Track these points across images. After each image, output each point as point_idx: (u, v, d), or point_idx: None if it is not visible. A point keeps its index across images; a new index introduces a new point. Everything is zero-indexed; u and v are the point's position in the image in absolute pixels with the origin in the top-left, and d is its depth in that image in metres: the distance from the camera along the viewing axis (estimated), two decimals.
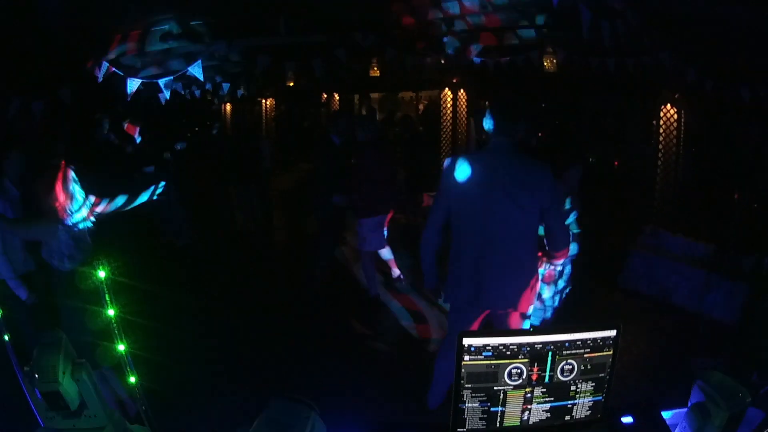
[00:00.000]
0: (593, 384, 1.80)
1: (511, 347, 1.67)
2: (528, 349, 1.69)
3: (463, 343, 1.63)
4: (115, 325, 2.27)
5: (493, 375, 1.69)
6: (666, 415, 2.22)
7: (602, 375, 1.80)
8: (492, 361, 1.67)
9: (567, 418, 1.81)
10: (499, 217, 2.90)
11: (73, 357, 2.09)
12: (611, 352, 1.79)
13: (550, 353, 1.71)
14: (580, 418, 1.83)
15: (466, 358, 1.65)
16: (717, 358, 3.58)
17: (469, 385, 1.68)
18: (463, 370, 1.66)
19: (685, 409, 2.19)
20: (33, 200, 3.17)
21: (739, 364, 3.28)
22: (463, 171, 2.92)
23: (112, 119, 6.32)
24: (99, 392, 2.13)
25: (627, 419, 1.96)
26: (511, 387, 1.72)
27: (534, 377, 1.72)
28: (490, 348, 1.66)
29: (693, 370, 3.54)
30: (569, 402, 1.80)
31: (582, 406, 1.82)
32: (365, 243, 5.46)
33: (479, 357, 1.66)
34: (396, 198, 5.63)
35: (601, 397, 1.83)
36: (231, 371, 4.08)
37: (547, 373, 1.73)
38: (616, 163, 10.74)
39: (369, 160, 5.16)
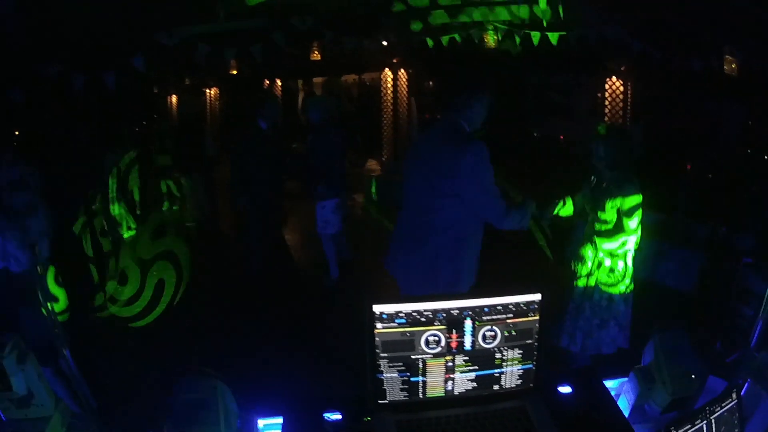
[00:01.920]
0: (521, 351, 1.74)
1: (425, 314, 1.62)
2: (444, 315, 1.64)
3: (374, 310, 1.59)
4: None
5: (409, 343, 1.64)
6: (613, 384, 2.16)
7: (529, 341, 1.74)
8: (407, 329, 1.62)
9: (496, 387, 1.76)
10: (417, 203, 2.80)
11: (22, 349, 2.09)
12: (537, 317, 1.73)
13: (468, 318, 1.66)
14: (510, 387, 1.77)
15: (379, 326, 1.60)
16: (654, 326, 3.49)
17: (385, 355, 1.63)
18: (377, 339, 1.61)
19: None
20: None
21: (700, 332, 3.20)
22: (408, 152, 2.90)
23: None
24: (45, 383, 2.13)
25: (565, 389, 1.90)
26: (429, 355, 1.67)
27: (453, 345, 1.67)
28: (403, 315, 1.61)
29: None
30: (496, 371, 1.74)
31: (511, 374, 1.76)
32: (329, 225, 5.44)
33: (392, 324, 1.61)
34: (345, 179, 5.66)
35: (531, 365, 1.77)
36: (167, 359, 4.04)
37: (468, 340, 1.68)
38: (561, 137, 10.77)
39: (327, 142, 5.15)
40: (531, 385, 1.79)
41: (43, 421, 2.18)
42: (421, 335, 1.64)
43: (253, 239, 5.66)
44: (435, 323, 1.64)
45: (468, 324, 1.66)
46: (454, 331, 1.66)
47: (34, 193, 3.14)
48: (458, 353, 1.69)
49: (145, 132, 9.79)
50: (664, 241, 4.69)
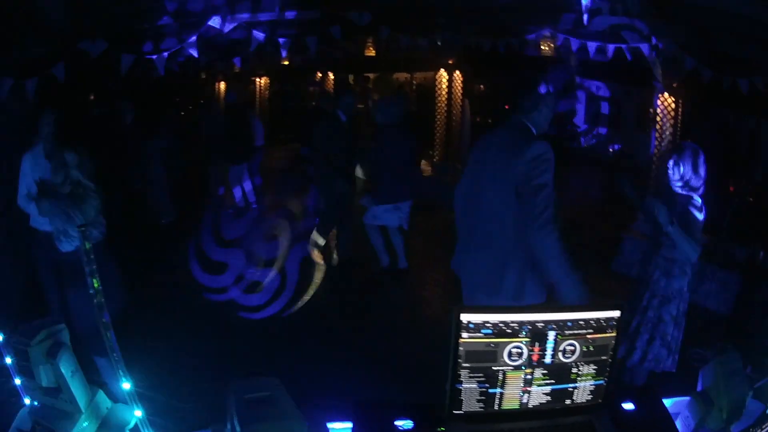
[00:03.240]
0: (595, 367, 1.72)
1: (511, 325, 1.58)
2: (530, 327, 1.60)
3: (461, 318, 1.54)
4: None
5: (492, 354, 1.60)
6: (667, 403, 2.16)
7: (605, 358, 1.72)
8: (491, 339, 1.59)
9: (567, 402, 1.73)
10: (482, 206, 2.77)
11: (58, 341, 2.00)
12: (614, 334, 1.71)
13: (551, 332, 1.63)
14: (581, 402, 1.75)
15: (465, 335, 1.56)
16: (711, 349, 3.52)
17: (467, 365, 1.59)
18: (461, 348, 1.57)
19: (686, 398, 2.13)
20: None
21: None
22: (473, 155, 2.87)
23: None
24: (79, 381, 2.03)
25: (628, 405, 1.88)
26: (510, 367, 1.63)
27: (535, 358, 1.64)
28: (489, 325, 1.57)
29: (690, 360, 3.48)
30: (570, 385, 1.72)
31: (583, 389, 1.74)
32: (376, 219, 5.30)
33: (478, 335, 1.57)
34: (415, 186, 5.44)
35: (603, 381, 1.75)
36: (219, 354, 3.96)
37: (549, 354, 1.65)
38: (610, 149, 10.70)
39: (396, 144, 4.94)
40: (600, 400, 1.77)
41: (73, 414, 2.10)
42: (505, 346, 1.60)
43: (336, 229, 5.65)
44: (519, 335, 1.60)
45: (551, 337, 1.63)
46: (537, 343, 1.63)
47: (88, 174, 3.07)
48: (538, 366, 1.66)
49: (190, 118, 9.56)
50: (705, 263, 4.69)
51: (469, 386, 1.62)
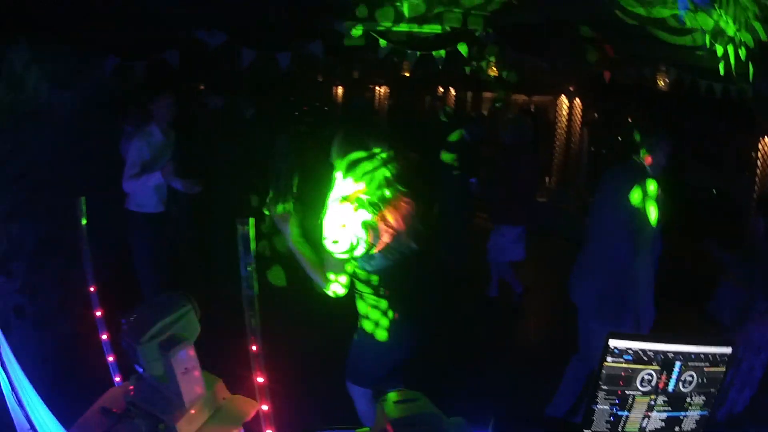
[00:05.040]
0: (704, 398, 1.85)
1: (648, 353, 1.71)
2: (662, 356, 1.73)
3: (609, 344, 1.66)
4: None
5: (628, 379, 1.72)
6: None
7: (713, 390, 1.86)
8: (630, 365, 1.70)
9: (676, 429, 1.85)
10: (599, 237, 3.00)
11: (179, 334, 1.97)
12: (724, 369, 1.85)
13: (678, 362, 1.76)
14: (687, 430, 1.87)
15: (609, 359, 1.67)
16: None
17: (606, 387, 1.70)
18: (603, 372, 1.68)
19: None
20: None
21: None
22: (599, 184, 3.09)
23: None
24: (189, 376, 1.99)
25: None
26: (640, 393, 1.75)
27: (661, 385, 1.76)
28: (631, 352, 1.69)
29: None
30: (682, 413, 1.84)
31: (691, 419, 1.86)
32: (504, 253, 5.23)
33: (620, 360, 1.69)
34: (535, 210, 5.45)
35: (707, 412, 1.88)
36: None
37: (672, 382, 1.78)
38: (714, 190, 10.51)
39: (521, 165, 4.96)
40: (701, 430, 1.90)
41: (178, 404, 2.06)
42: (639, 372, 1.72)
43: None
44: (652, 363, 1.73)
45: (677, 367, 1.76)
46: (665, 372, 1.75)
47: None
48: (661, 393, 1.78)
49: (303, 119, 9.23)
50: None
51: (602, 407, 1.73)
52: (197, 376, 1.98)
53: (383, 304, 2.38)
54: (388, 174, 2.31)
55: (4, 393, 3.23)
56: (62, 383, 3.17)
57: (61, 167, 3.78)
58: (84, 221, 2.45)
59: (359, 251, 2.24)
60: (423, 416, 1.63)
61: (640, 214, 2.81)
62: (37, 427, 3.21)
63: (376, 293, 2.37)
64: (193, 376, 1.98)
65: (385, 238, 2.25)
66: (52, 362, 3.53)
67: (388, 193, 2.31)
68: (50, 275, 3.70)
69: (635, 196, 2.84)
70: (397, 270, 2.34)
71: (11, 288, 3.30)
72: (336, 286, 2.31)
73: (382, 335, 2.38)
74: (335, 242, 2.20)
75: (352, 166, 2.28)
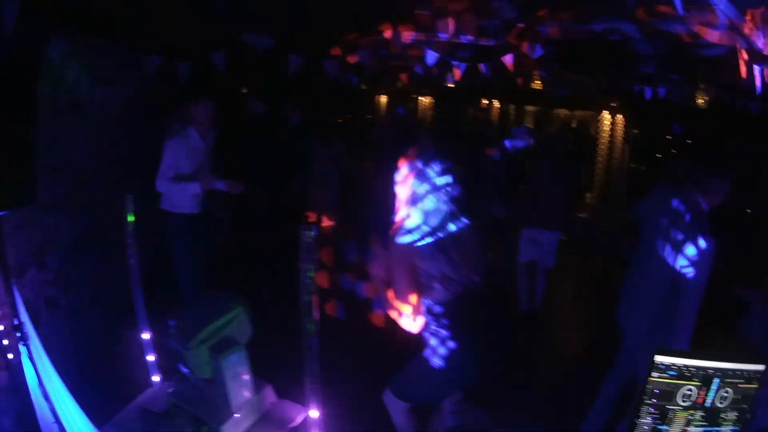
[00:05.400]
0: (737, 414, 1.93)
1: (691, 369, 1.78)
2: (703, 373, 1.80)
3: (656, 359, 1.73)
4: None
5: (669, 394, 1.79)
6: None
7: (745, 407, 1.93)
8: (673, 381, 1.78)
9: None
10: (650, 263, 2.98)
11: (231, 337, 2.01)
12: (756, 386, 1.93)
13: (717, 379, 1.83)
14: None
15: (654, 374, 1.75)
16: None
17: (649, 401, 1.77)
18: (649, 386, 1.75)
19: None
20: None
21: None
22: (641, 209, 3.12)
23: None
24: (238, 380, 2.02)
25: None
26: (680, 407, 1.82)
27: (699, 400, 1.84)
28: (675, 367, 1.76)
29: None
30: (715, 429, 1.92)
31: None
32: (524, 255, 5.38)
33: (665, 375, 1.76)
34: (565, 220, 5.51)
35: (739, 428, 1.96)
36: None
37: (710, 398, 1.85)
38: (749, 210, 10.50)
39: (548, 176, 5.12)
40: None
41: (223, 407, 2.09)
42: (681, 388, 1.80)
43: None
44: (693, 379, 1.80)
45: (715, 383, 1.84)
46: (704, 388, 1.83)
47: None
48: (699, 409, 1.85)
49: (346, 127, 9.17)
50: None
51: (644, 421, 1.80)
52: (247, 380, 2.02)
53: (443, 333, 2.38)
54: (452, 207, 2.33)
55: (29, 384, 3.24)
56: (93, 378, 3.18)
57: (102, 162, 3.81)
58: (131, 218, 2.49)
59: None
60: (476, 428, 1.69)
61: (692, 242, 2.78)
62: (63, 421, 3.23)
63: (437, 322, 2.37)
64: (243, 380, 2.01)
65: (446, 271, 2.26)
66: (83, 357, 3.54)
67: (451, 225, 2.33)
68: (85, 269, 3.72)
69: (687, 224, 2.83)
70: (459, 302, 2.34)
71: (44, 280, 3.32)
72: (408, 321, 2.30)
73: (438, 363, 2.39)
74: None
75: (417, 199, 2.29)
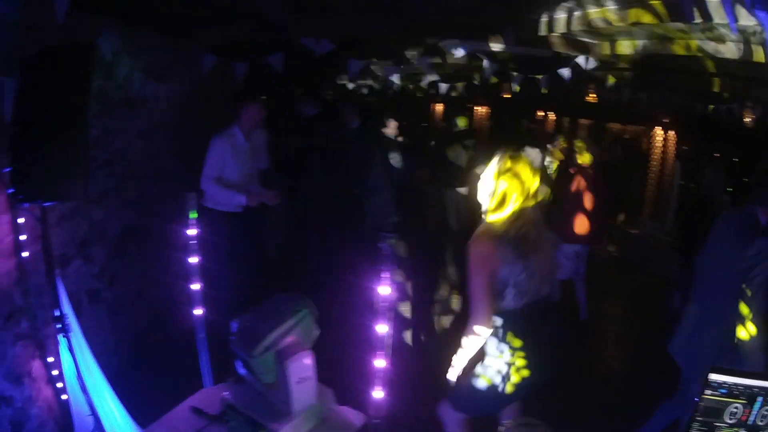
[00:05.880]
0: None
1: (739, 387, 1.90)
2: (749, 392, 1.92)
3: (710, 377, 1.85)
4: None
5: (718, 411, 1.91)
6: None
7: None
8: (723, 398, 1.89)
9: None
10: (712, 291, 2.91)
11: (297, 341, 2.03)
12: None
13: (760, 398, 1.95)
14: None
15: (708, 392, 1.86)
16: None
17: (700, 418, 1.89)
18: (702, 404, 1.86)
19: None
20: None
21: None
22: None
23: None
24: (303, 386, 2.01)
25: None
26: (726, 425, 1.94)
27: (743, 418, 1.96)
28: (726, 386, 1.88)
29: None
30: None
31: None
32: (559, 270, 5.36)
33: (716, 393, 1.88)
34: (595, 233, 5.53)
35: None
36: None
37: (752, 416, 1.97)
38: None
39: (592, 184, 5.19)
40: None
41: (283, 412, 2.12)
42: (729, 406, 1.92)
43: None
44: (740, 398, 1.92)
45: (759, 401, 1.96)
46: (748, 406, 1.95)
47: None
48: (742, 427, 1.97)
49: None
50: None
51: None
52: (311, 385, 2.04)
53: (506, 349, 2.40)
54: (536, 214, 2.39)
55: (66, 376, 3.27)
56: (137, 375, 3.19)
57: (152, 158, 3.84)
58: (194, 214, 2.52)
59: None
60: None
61: (753, 274, 2.70)
62: (100, 414, 3.25)
63: (498, 333, 2.40)
64: (307, 385, 2.03)
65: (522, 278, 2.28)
66: (127, 352, 3.56)
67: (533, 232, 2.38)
68: (131, 264, 3.75)
69: (749, 254, 2.74)
70: (524, 313, 2.37)
71: (88, 272, 3.36)
72: (481, 329, 2.33)
73: (498, 379, 2.42)
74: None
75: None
